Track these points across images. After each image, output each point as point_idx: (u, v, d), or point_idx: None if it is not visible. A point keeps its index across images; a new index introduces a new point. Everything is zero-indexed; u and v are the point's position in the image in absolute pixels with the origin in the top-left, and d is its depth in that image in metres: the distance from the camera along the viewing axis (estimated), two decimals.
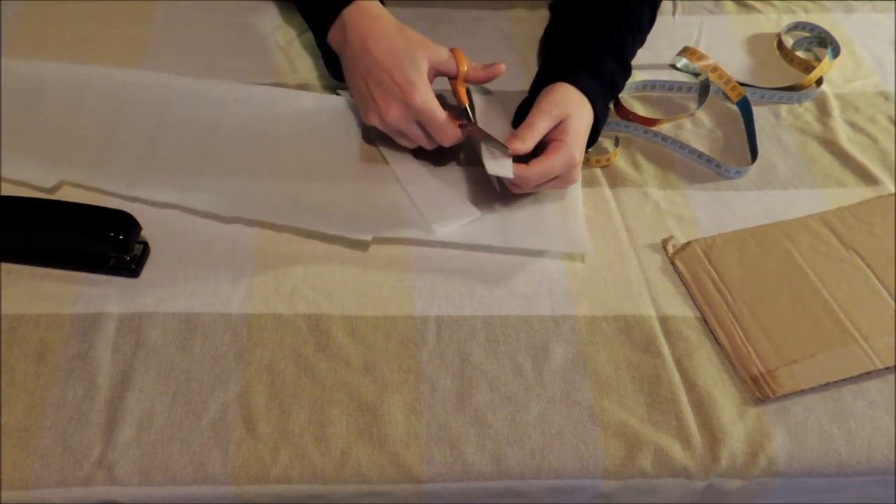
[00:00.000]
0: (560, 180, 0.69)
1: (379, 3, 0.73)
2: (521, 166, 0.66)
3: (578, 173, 0.70)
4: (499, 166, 0.66)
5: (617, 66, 0.76)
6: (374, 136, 0.77)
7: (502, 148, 0.66)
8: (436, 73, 0.71)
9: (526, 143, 0.66)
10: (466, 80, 0.72)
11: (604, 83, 0.74)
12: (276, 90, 0.80)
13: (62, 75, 0.79)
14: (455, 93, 0.72)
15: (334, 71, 0.77)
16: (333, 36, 0.74)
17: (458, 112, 0.71)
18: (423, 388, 0.60)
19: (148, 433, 0.56)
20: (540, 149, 0.68)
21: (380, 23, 0.71)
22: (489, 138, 0.67)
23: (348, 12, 0.72)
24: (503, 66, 0.72)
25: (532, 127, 0.67)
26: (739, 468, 0.58)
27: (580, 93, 0.71)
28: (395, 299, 0.65)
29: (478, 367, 0.61)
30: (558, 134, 0.68)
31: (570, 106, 0.69)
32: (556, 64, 0.76)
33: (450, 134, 0.69)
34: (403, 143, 0.73)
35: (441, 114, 0.68)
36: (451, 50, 0.71)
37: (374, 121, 0.71)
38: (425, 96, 0.67)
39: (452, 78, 0.72)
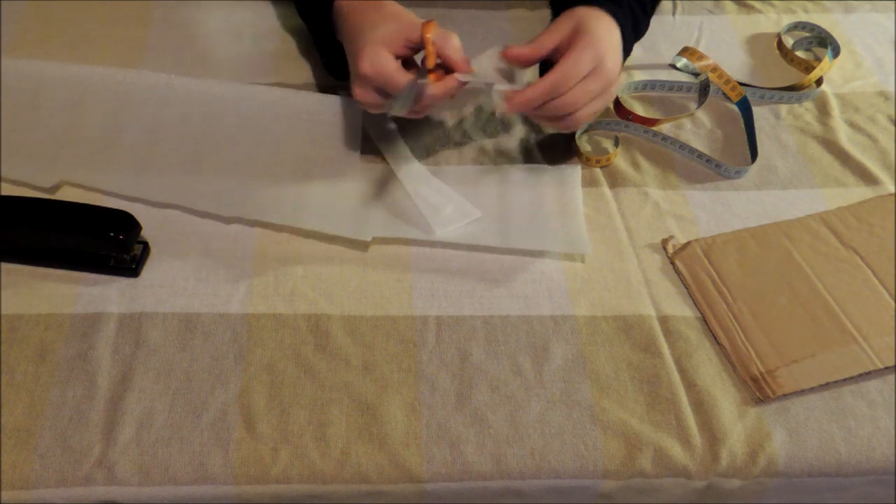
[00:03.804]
0: (599, 98, 0.64)
1: None
2: (545, 77, 0.61)
3: (616, 86, 0.65)
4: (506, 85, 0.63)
5: (637, 4, 0.73)
6: (375, 136, 0.77)
7: (497, 78, 0.62)
8: (406, 43, 0.66)
9: (525, 50, 0.63)
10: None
11: (625, 13, 0.70)
12: (276, 90, 0.80)
13: (62, 75, 0.79)
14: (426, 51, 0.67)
15: (335, 69, 0.76)
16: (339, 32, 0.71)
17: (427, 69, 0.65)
18: (423, 388, 0.60)
19: (148, 433, 0.56)
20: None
21: (367, 4, 0.68)
22: (482, 80, 0.63)
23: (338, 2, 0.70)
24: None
25: (537, 39, 0.63)
26: (739, 468, 0.58)
27: (604, 12, 0.66)
28: (394, 299, 0.65)
29: (477, 367, 0.61)
30: (575, 36, 0.63)
31: (591, 21, 0.64)
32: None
33: (399, 81, 0.63)
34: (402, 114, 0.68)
35: (391, 69, 0.63)
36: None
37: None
38: (375, 60, 0.63)
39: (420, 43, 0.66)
